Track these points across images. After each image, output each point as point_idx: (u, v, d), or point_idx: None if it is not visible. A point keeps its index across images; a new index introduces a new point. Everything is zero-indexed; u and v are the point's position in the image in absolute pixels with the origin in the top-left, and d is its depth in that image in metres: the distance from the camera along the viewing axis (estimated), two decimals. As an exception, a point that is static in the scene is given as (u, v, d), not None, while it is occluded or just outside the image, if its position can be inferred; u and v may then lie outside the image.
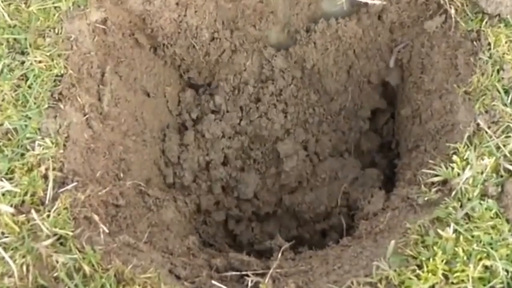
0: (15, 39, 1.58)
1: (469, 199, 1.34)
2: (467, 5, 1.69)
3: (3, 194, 1.32)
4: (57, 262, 1.23)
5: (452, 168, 1.41)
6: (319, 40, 2.08)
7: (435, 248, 1.25)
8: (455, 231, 1.27)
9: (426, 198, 1.43)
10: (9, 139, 1.42)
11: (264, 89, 2.23)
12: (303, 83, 2.23)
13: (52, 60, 1.55)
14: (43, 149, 1.41)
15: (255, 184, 2.17)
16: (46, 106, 1.49)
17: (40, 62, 1.54)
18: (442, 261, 1.22)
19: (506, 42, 1.58)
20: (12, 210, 1.30)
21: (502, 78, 1.53)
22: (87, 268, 1.24)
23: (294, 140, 2.21)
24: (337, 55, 2.12)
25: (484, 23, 1.63)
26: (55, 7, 1.64)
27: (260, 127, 2.20)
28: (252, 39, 2.17)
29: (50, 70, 1.54)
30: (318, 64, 2.14)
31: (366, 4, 1.97)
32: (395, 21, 1.98)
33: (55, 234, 1.28)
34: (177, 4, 1.99)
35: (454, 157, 1.42)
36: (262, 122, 2.20)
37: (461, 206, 1.33)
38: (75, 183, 1.39)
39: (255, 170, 2.22)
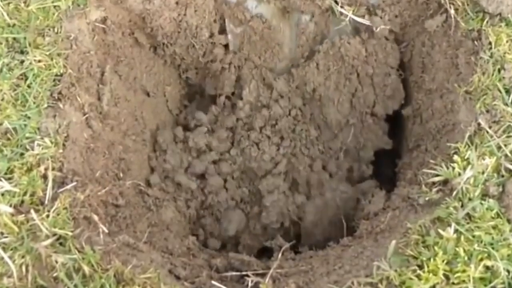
0: (14, 38, 1.57)
1: (470, 199, 1.33)
2: (468, 4, 1.69)
3: (2, 194, 1.32)
4: (56, 262, 1.23)
5: (453, 168, 1.40)
6: (321, 60, 2.01)
7: (436, 248, 1.25)
8: (456, 231, 1.27)
9: (427, 198, 1.43)
10: (8, 139, 1.42)
11: (258, 115, 2.10)
12: (303, 116, 2.11)
13: (52, 59, 1.55)
14: (42, 148, 1.40)
15: (239, 221, 2.00)
16: (46, 105, 1.49)
17: (39, 61, 1.53)
18: (443, 261, 1.22)
19: (507, 42, 1.57)
20: (11, 210, 1.30)
21: (503, 77, 1.53)
22: (86, 268, 1.23)
23: (278, 176, 2.03)
24: (339, 78, 2.03)
25: (485, 22, 1.62)
26: (54, 6, 1.63)
27: (250, 158, 2.05)
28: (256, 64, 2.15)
29: (50, 70, 1.54)
30: (320, 89, 2.05)
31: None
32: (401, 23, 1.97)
33: (54, 234, 1.27)
34: (177, 3, 1.98)
35: (455, 157, 1.42)
36: (252, 151, 2.05)
37: (462, 206, 1.33)
38: (74, 183, 1.39)
39: (240, 210, 2.04)
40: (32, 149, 1.40)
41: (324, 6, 1.98)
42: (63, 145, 1.45)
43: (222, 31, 2.12)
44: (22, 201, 1.33)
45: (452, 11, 1.71)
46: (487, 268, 1.22)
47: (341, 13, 1.93)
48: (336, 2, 1.94)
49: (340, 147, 2.10)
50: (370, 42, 1.97)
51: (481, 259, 1.22)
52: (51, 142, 1.42)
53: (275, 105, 2.10)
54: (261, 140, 2.08)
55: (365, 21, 1.94)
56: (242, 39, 2.10)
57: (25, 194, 1.34)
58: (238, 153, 2.07)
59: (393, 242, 1.29)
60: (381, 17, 1.93)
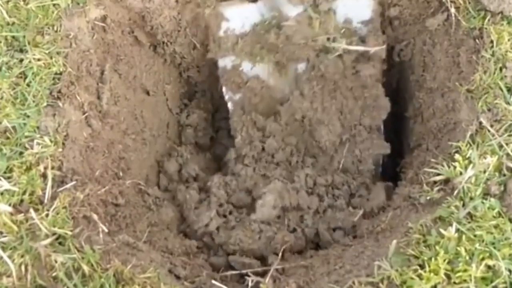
0: (13, 36, 1.57)
1: (471, 198, 1.33)
2: (469, 3, 1.68)
3: (1, 193, 1.31)
4: (56, 261, 1.23)
5: (455, 167, 1.40)
6: (305, 85, 1.96)
7: (437, 247, 1.24)
8: (457, 230, 1.26)
9: (428, 197, 1.42)
10: (8, 138, 1.41)
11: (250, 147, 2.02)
12: (298, 151, 2.02)
13: (51, 58, 1.54)
14: (42, 147, 1.40)
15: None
16: (45, 104, 1.48)
17: (39, 60, 1.53)
18: (444, 260, 1.21)
19: (508, 40, 1.57)
20: (10, 209, 1.29)
21: (505, 76, 1.52)
22: (86, 268, 1.23)
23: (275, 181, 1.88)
24: (324, 97, 1.96)
25: (486, 20, 1.62)
26: (54, 5, 1.63)
27: (245, 178, 1.94)
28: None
29: (49, 68, 1.53)
30: (308, 114, 1.97)
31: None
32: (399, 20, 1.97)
33: (54, 234, 1.27)
34: (176, 1, 1.98)
35: (457, 156, 1.41)
36: (248, 171, 1.95)
37: (463, 205, 1.33)
38: (74, 182, 1.38)
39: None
40: (32, 148, 1.39)
41: (318, 47, 1.94)
42: (63, 144, 1.44)
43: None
44: (22, 200, 1.33)
45: (453, 10, 1.70)
46: (488, 267, 1.21)
47: (334, 48, 1.91)
48: (328, 39, 1.92)
49: (337, 166, 1.99)
50: (348, 56, 1.93)
51: (483, 259, 1.21)
52: (51, 141, 1.42)
53: (268, 140, 2.01)
54: (256, 166, 1.98)
55: (359, 48, 1.91)
56: (243, 104, 2.08)
57: (24, 193, 1.33)
58: (231, 179, 1.93)
59: (394, 241, 1.29)
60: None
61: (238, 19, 2.02)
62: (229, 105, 2.10)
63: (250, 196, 1.89)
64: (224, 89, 2.08)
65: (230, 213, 1.85)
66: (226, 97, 2.09)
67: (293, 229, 1.76)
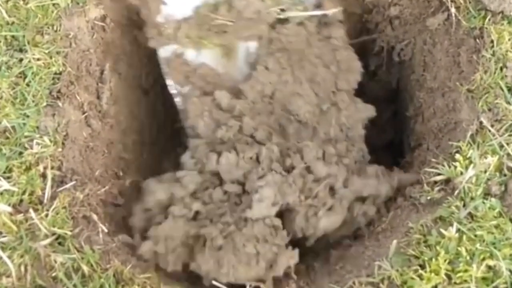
0: (13, 36, 1.56)
1: (472, 198, 1.33)
2: (470, 2, 1.68)
3: (1, 193, 1.32)
4: (55, 262, 1.23)
5: (455, 167, 1.40)
6: (268, 59, 1.80)
7: (437, 247, 1.24)
8: (458, 230, 1.26)
9: (428, 197, 1.42)
10: (7, 138, 1.41)
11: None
12: (273, 129, 1.77)
13: (51, 57, 1.54)
14: (41, 147, 1.40)
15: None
16: (45, 104, 1.48)
17: (38, 59, 1.53)
18: (445, 261, 1.21)
19: (509, 40, 1.56)
20: (10, 209, 1.29)
21: (505, 75, 1.52)
22: (85, 268, 1.23)
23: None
24: (291, 67, 1.82)
25: (487, 20, 1.61)
26: (53, 4, 1.63)
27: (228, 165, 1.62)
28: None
29: (49, 68, 1.53)
30: (279, 87, 1.79)
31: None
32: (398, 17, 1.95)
33: (53, 234, 1.27)
34: (176, 1, 1.96)
35: (457, 156, 1.41)
36: (230, 157, 1.63)
37: (464, 205, 1.32)
38: (73, 182, 1.38)
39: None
40: (31, 148, 1.39)
41: (271, 19, 1.81)
42: (62, 143, 1.44)
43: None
44: (21, 200, 1.33)
45: (453, 9, 1.70)
46: (489, 267, 1.21)
47: (290, 17, 1.81)
48: (282, 10, 1.82)
49: (324, 138, 1.79)
50: (310, 24, 1.83)
51: (483, 259, 1.22)
52: (50, 141, 1.41)
53: (244, 119, 1.74)
54: (238, 151, 1.67)
55: (317, 12, 1.82)
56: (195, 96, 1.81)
57: (24, 193, 1.33)
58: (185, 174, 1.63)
59: (395, 241, 1.29)
60: None
61: (178, 2, 1.79)
62: (177, 100, 1.83)
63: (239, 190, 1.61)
64: (168, 82, 1.83)
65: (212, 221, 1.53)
66: (173, 92, 1.83)
67: (330, 207, 1.53)
